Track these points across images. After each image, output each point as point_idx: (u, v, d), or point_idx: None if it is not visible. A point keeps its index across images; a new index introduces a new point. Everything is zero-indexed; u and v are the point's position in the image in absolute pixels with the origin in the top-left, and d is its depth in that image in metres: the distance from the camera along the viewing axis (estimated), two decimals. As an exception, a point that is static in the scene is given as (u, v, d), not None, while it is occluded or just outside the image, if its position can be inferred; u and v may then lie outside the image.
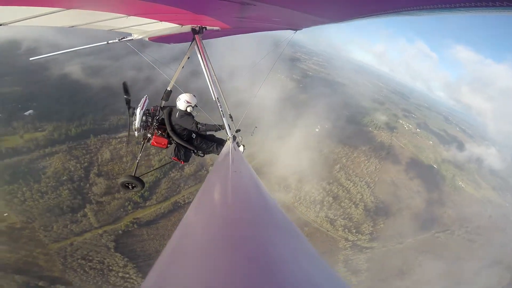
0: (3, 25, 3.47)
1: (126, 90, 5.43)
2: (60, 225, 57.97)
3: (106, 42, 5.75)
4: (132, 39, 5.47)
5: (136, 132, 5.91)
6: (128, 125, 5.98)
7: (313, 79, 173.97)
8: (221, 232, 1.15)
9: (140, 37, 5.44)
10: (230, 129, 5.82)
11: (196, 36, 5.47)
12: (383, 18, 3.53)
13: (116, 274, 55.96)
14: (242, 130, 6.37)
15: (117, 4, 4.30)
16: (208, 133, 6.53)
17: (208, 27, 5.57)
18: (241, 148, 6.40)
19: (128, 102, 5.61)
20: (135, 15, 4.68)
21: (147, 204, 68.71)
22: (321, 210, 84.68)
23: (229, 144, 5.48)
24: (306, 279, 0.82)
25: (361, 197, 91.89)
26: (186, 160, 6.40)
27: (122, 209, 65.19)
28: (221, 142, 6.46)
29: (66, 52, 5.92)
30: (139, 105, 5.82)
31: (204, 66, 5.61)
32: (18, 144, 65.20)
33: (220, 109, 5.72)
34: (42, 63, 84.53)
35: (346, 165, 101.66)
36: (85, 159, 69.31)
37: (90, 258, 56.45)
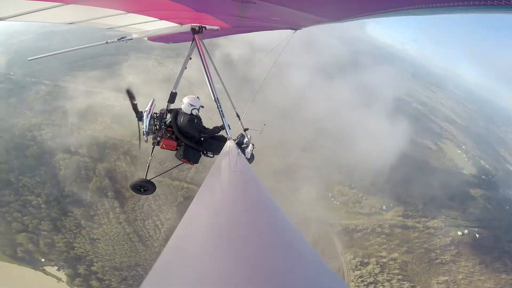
0: (2, 19, 3.56)
1: (131, 96, 5.52)
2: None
3: (105, 42, 5.70)
4: (132, 39, 5.52)
5: (145, 136, 5.89)
6: (138, 130, 5.95)
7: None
8: (220, 231, 1.16)
9: (139, 36, 5.57)
10: (229, 128, 5.71)
11: (195, 35, 5.33)
12: (383, 18, 3.78)
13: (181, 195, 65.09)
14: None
15: (117, -2, 4.51)
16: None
17: (207, 27, 5.25)
18: (250, 146, 6.30)
19: (135, 107, 5.71)
20: (134, 11, 4.85)
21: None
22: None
23: (229, 144, 5.38)
24: (306, 279, 0.82)
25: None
26: (196, 161, 6.32)
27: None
28: None
29: (66, 51, 5.93)
30: (145, 109, 5.82)
31: (204, 66, 5.53)
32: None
33: (219, 109, 5.62)
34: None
35: (457, 283, 64.84)
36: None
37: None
